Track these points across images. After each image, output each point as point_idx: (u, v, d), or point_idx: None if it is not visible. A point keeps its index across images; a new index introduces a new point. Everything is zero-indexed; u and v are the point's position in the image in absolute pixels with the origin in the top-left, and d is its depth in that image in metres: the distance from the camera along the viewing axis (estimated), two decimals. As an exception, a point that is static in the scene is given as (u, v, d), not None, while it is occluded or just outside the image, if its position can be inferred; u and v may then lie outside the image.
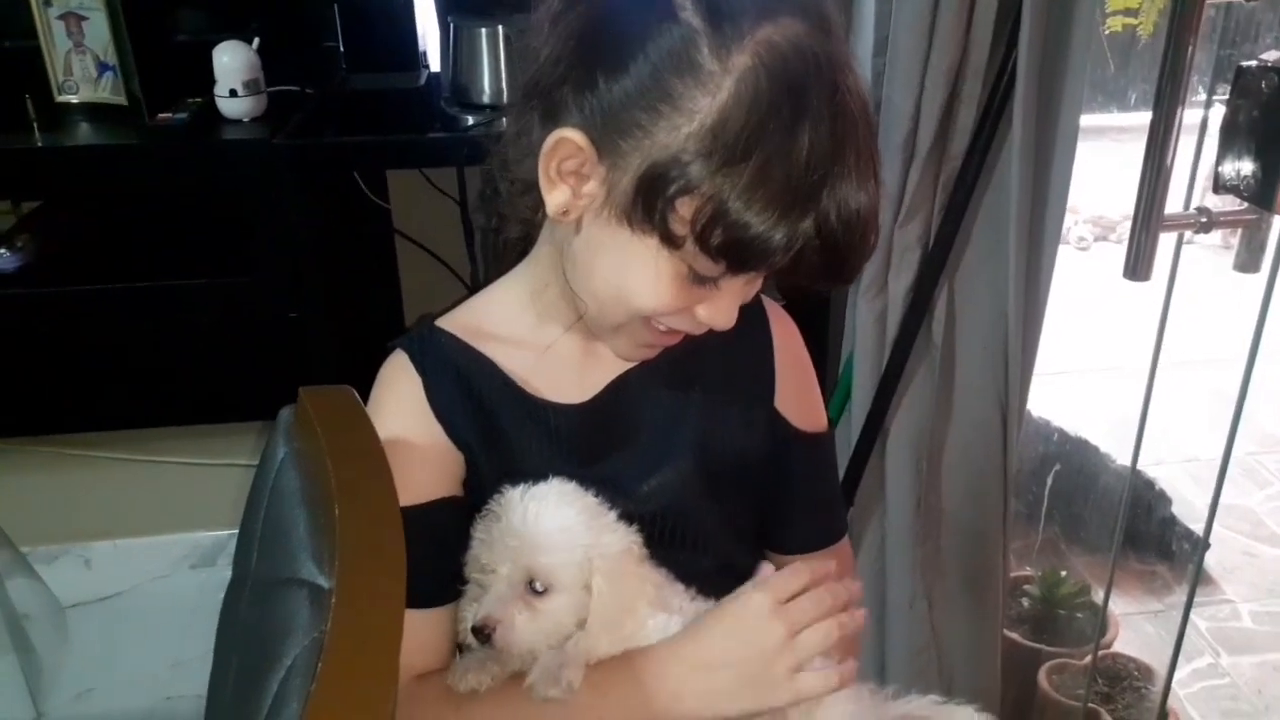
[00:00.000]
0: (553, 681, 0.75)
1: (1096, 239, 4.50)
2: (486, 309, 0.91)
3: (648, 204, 0.72)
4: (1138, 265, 1.26)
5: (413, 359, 0.87)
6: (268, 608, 0.62)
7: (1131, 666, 1.98)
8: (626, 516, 0.84)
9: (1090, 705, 1.81)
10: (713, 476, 0.91)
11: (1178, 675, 2.23)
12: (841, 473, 1.63)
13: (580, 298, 0.83)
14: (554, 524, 0.77)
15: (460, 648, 0.84)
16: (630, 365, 0.90)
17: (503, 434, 0.86)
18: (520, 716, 0.79)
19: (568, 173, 0.76)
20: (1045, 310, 1.53)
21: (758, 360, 0.95)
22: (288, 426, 0.71)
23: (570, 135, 0.74)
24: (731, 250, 0.71)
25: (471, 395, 0.86)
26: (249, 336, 1.90)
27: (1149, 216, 1.23)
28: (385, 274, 2.18)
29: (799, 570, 0.83)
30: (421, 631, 0.82)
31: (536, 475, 0.83)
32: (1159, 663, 2.05)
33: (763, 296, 0.94)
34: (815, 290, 0.79)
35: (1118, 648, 2.07)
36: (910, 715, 0.90)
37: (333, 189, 1.91)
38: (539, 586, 0.76)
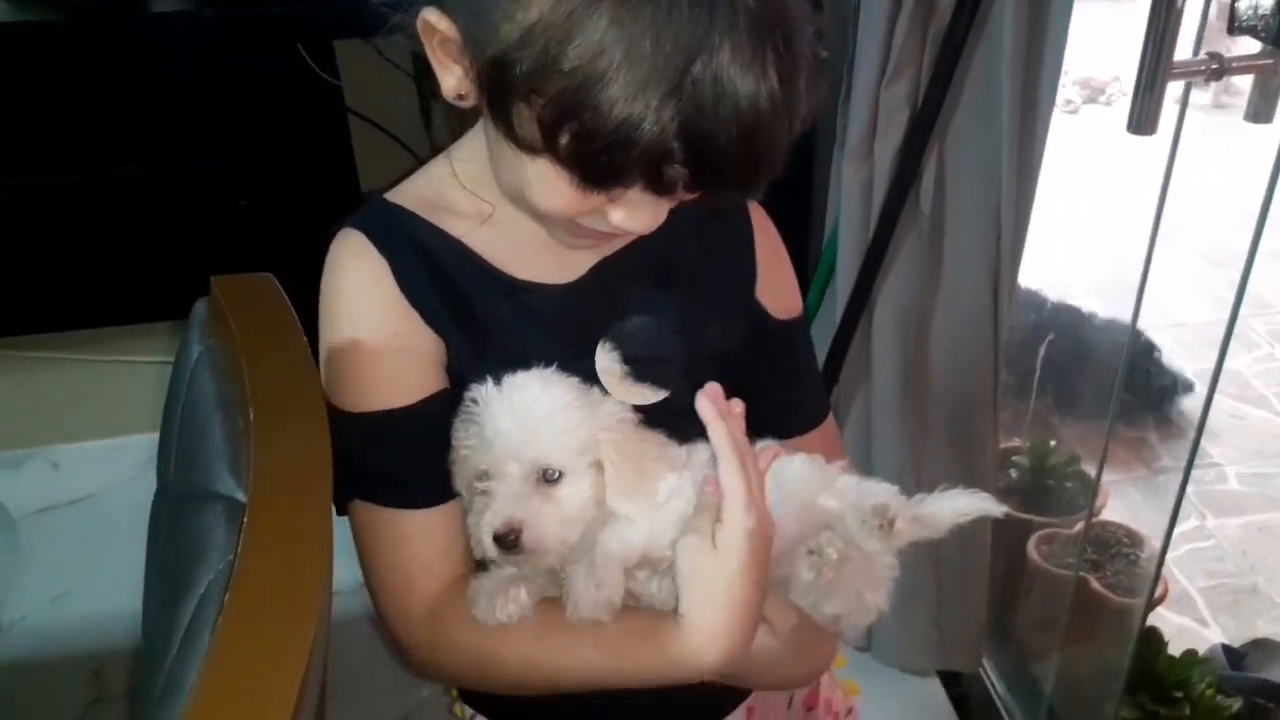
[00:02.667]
0: (593, 604, 0.71)
1: (1085, 101, 4.36)
2: (440, 183, 0.81)
3: (493, 106, 0.65)
4: (1143, 117, 1.17)
5: (372, 238, 0.76)
6: (184, 525, 0.55)
7: (1121, 533, 1.96)
8: None
9: (1080, 574, 1.80)
10: (695, 370, 0.83)
11: (1161, 539, 2.23)
12: (826, 350, 1.56)
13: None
14: (550, 408, 0.72)
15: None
16: (614, 250, 0.82)
17: (479, 319, 0.78)
18: (569, 648, 0.74)
19: (457, 53, 0.68)
20: (1039, 172, 1.44)
21: (739, 249, 0.88)
22: (202, 321, 0.63)
23: (430, 17, 0.67)
24: (583, 161, 0.63)
25: (440, 275, 0.77)
26: (195, 228, 1.80)
27: (1156, 64, 1.13)
28: (339, 155, 2.06)
29: None
30: (438, 534, 0.78)
31: (519, 364, 0.75)
32: (1147, 529, 2.04)
33: None
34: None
35: (1105, 515, 2.05)
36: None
37: (275, 66, 1.78)
38: (552, 475, 0.71)
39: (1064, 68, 1.38)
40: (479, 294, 0.78)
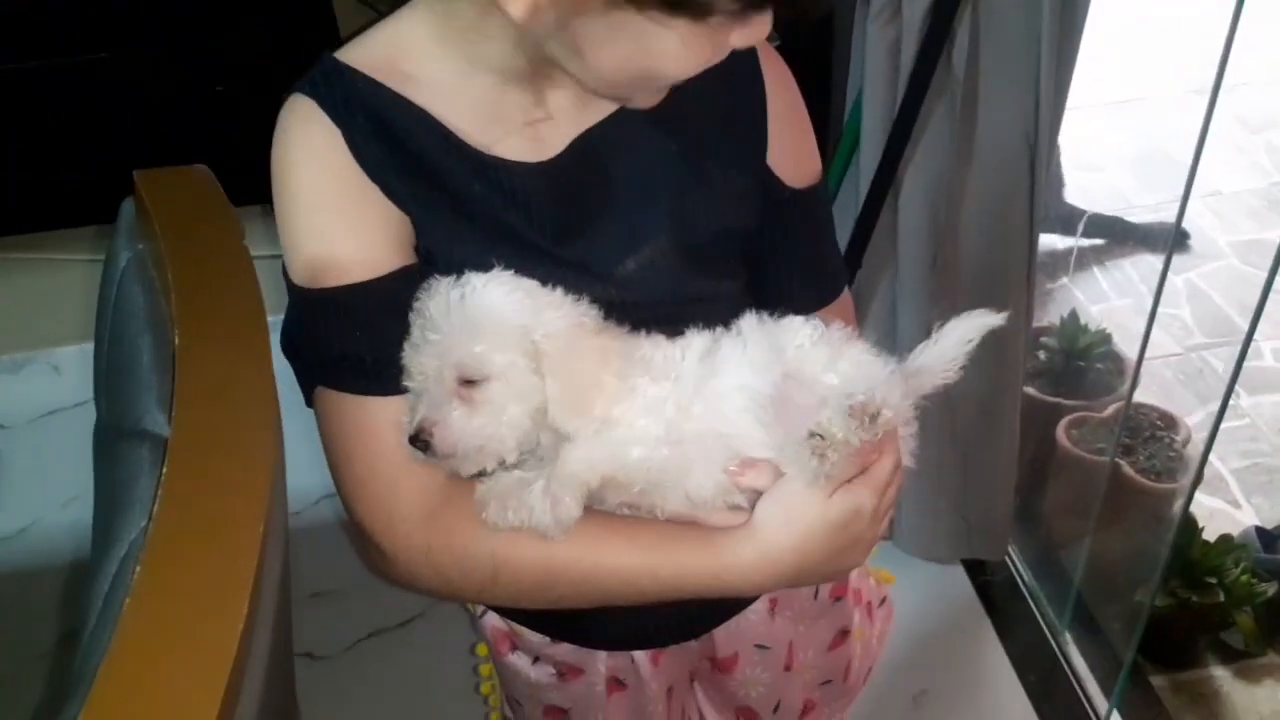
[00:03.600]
0: (548, 523, 0.65)
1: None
2: (396, 43, 0.71)
3: None
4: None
5: (323, 105, 0.68)
6: (113, 466, 0.46)
7: (1154, 416, 1.88)
8: (606, 304, 0.71)
9: (1113, 459, 1.73)
10: (697, 252, 0.76)
11: (1195, 418, 2.15)
12: (848, 231, 1.46)
13: (577, 79, 0.68)
14: (479, 308, 0.66)
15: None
16: (595, 121, 0.74)
17: (450, 197, 0.70)
18: (598, 547, 0.69)
19: None
20: (1083, 30, 1.31)
21: (748, 114, 0.79)
22: (130, 223, 0.53)
23: None
24: None
25: (402, 149, 0.69)
26: (169, 116, 1.68)
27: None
28: (323, 32, 1.91)
29: (889, 451, 0.73)
30: None
31: (495, 248, 0.69)
32: (1179, 409, 1.95)
33: None
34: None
35: (1136, 397, 1.97)
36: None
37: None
38: (472, 379, 0.66)
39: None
40: (448, 171, 0.70)
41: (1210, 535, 1.64)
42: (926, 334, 1.47)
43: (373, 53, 0.70)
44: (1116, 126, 3.01)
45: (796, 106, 0.82)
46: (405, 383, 0.67)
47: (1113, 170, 2.63)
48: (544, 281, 0.69)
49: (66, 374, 2.30)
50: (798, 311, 0.84)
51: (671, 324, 0.74)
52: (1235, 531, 1.74)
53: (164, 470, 0.37)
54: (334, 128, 0.67)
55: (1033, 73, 1.30)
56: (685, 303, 0.76)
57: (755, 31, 0.64)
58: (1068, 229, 2.48)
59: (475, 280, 0.66)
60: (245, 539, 0.35)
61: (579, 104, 0.73)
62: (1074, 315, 2.01)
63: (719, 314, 0.76)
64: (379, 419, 0.68)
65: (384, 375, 0.67)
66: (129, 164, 1.70)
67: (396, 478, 0.67)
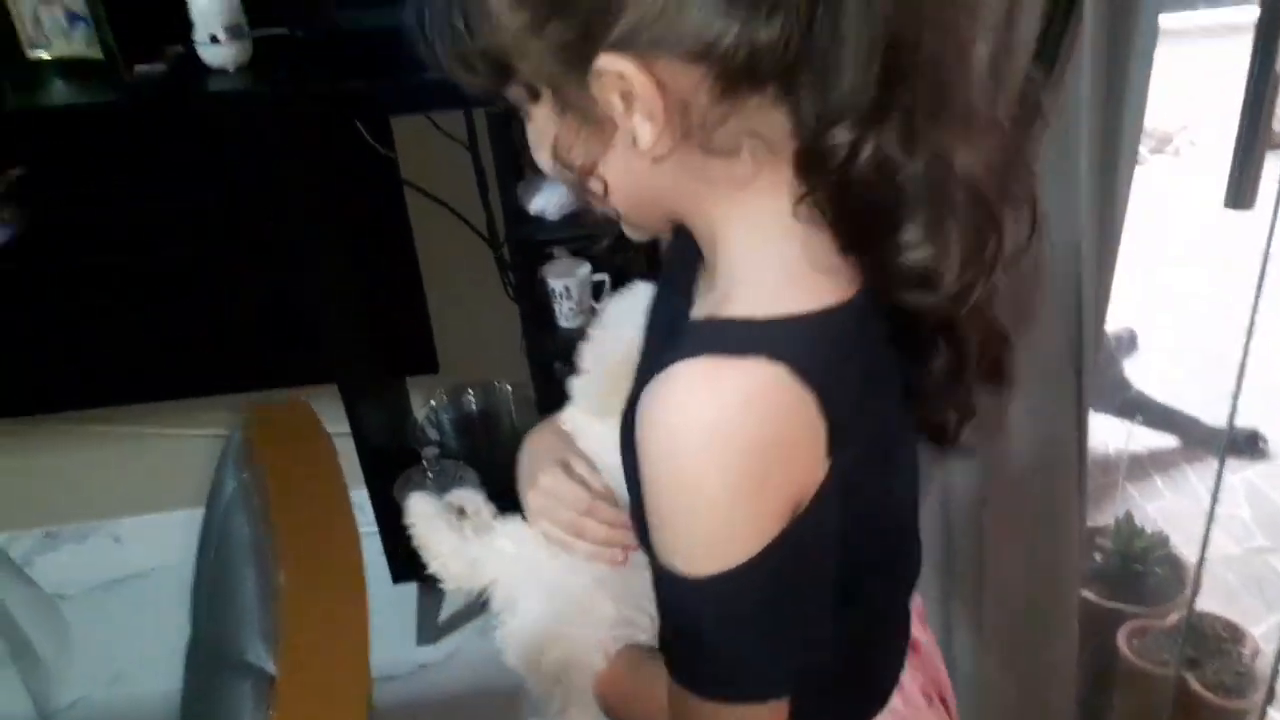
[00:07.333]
0: None
1: (1152, 152, 4.21)
2: (774, 286, 0.59)
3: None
4: (1241, 191, 1.09)
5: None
6: (213, 695, 0.49)
7: (1218, 625, 1.82)
8: None
9: (1179, 673, 1.67)
10: None
11: (1260, 629, 2.08)
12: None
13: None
14: None
15: None
16: None
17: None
18: None
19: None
20: (1120, 241, 1.35)
21: None
22: (237, 450, 0.57)
23: (619, 68, 0.53)
24: None
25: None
26: (252, 303, 1.78)
27: (1254, 133, 1.06)
28: (396, 230, 2.03)
29: None
30: None
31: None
32: (1246, 619, 1.89)
33: None
34: None
35: (1200, 604, 1.91)
36: None
37: (330, 139, 1.77)
38: None
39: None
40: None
41: (1287, 758, 1.56)
42: (979, 537, 1.41)
43: (770, 304, 0.58)
44: (1168, 321, 3.03)
45: None
46: None
47: (1165, 366, 2.63)
48: None
49: (126, 544, 2.36)
50: None
51: None
52: (1314, 753, 1.66)
53: (270, 713, 0.40)
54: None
55: (1074, 284, 1.33)
56: None
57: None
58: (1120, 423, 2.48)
59: None
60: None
61: None
62: (1129, 516, 1.98)
63: None
64: None
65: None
66: (191, 348, 1.78)
67: None
